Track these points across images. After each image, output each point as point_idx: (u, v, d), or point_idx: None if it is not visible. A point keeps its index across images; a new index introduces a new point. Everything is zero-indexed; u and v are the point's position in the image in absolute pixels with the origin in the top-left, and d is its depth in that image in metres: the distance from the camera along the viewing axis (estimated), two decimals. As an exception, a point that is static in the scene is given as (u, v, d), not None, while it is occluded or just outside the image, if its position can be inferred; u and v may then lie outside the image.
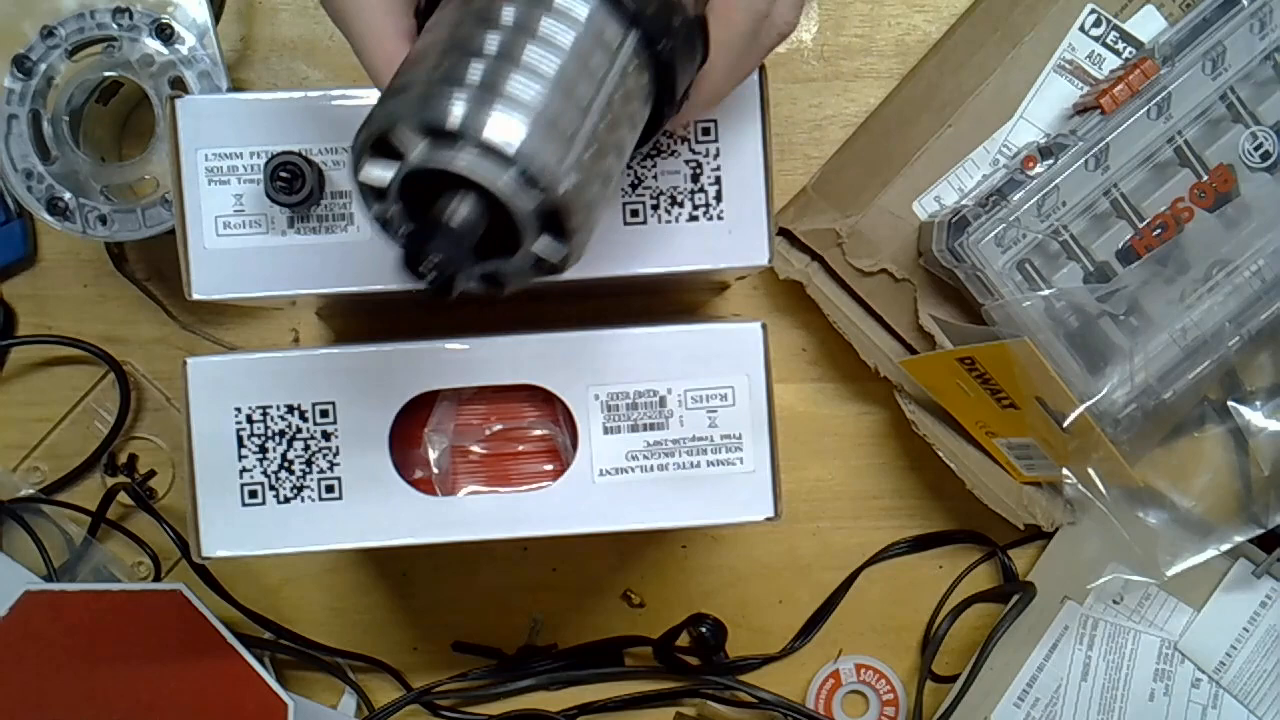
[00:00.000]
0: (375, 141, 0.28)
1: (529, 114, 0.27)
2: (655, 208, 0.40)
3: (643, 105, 0.32)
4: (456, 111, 0.27)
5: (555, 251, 0.29)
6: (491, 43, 0.28)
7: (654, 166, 0.40)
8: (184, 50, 0.51)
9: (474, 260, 0.28)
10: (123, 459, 0.59)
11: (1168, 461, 0.55)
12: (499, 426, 0.44)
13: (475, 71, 0.28)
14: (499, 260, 0.29)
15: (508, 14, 0.29)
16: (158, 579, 0.58)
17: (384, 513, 0.41)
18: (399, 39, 0.32)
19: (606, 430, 0.41)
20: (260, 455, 0.41)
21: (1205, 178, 0.50)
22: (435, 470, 0.43)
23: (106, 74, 0.51)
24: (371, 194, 0.29)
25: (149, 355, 0.59)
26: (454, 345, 0.41)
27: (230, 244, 0.40)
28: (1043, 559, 0.58)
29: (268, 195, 0.38)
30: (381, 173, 0.28)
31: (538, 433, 0.44)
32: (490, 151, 0.27)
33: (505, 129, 0.27)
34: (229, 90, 0.51)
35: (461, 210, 0.27)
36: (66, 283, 0.58)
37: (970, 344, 0.50)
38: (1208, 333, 0.51)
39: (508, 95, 0.27)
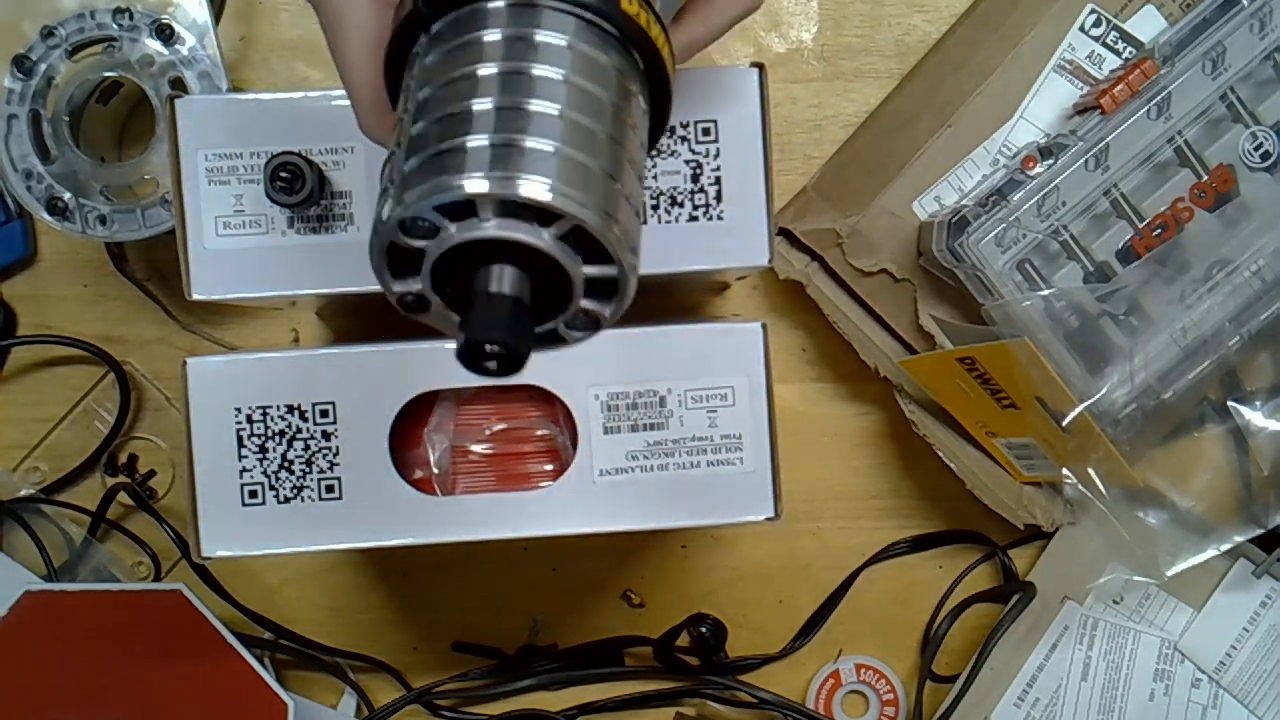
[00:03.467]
0: (391, 245, 0.26)
1: (549, 162, 0.25)
2: (655, 208, 0.40)
3: (642, 106, 0.30)
4: (477, 179, 0.24)
5: (607, 293, 0.27)
6: (485, 99, 0.26)
7: (654, 167, 0.40)
8: (184, 50, 0.51)
9: (531, 327, 0.26)
10: (123, 459, 0.59)
11: (1168, 461, 0.55)
12: (499, 426, 0.44)
13: (481, 133, 0.25)
14: (553, 320, 0.28)
15: (492, 66, 0.26)
16: (158, 579, 0.58)
17: (384, 513, 0.41)
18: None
19: (606, 430, 0.41)
20: (260, 455, 0.41)
21: (1205, 178, 0.50)
22: (435, 470, 0.43)
23: (106, 74, 0.51)
24: (408, 300, 0.27)
25: (149, 355, 0.58)
26: (454, 345, 0.41)
27: (230, 244, 0.40)
28: (1043, 559, 0.58)
29: (268, 195, 0.38)
30: (409, 280, 0.26)
31: (538, 433, 0.44)
32: (523, 210, 0.25)
33: (533, 184, 0.24)
34: (229, 90, 0.51)
35: (506, 276, 0.25)
36: (66, 283, 0.58)
37: (970, 344, 0.50)
38: (1208, 333, 0.51)
39: (523, 148, 0.25)
